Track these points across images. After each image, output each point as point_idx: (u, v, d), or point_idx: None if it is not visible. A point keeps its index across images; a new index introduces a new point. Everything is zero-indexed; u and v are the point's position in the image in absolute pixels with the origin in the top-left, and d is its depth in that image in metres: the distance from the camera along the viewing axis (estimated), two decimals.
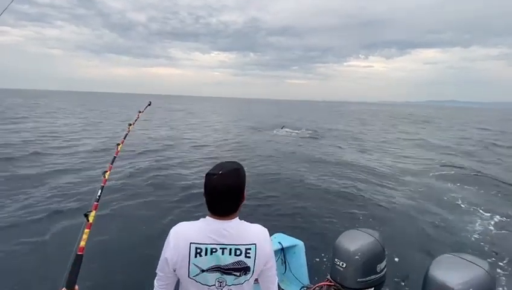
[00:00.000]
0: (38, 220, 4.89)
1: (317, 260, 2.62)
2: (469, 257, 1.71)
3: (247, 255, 1.09)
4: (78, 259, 1.03)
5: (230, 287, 1.11)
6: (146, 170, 8.42)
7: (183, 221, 1.17)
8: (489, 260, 1.77)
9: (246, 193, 1.14)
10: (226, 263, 1.07)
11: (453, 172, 9.45)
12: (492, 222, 5.45)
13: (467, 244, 4.48)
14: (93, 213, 1.17)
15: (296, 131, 19.56)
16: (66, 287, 0.95)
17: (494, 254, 4.15)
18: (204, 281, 1.08)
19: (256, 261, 1.10)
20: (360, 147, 14.34)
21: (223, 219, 1.09)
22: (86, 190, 6.44)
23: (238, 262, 1.08)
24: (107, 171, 1.41)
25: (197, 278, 1.08)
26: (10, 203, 5.49)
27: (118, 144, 1.68)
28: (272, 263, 1.19)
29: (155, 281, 1.18)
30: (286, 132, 19.45)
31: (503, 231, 5.08)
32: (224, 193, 1.06)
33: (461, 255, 1.75)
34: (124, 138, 1.70)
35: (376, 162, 10.85)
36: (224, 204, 1.08)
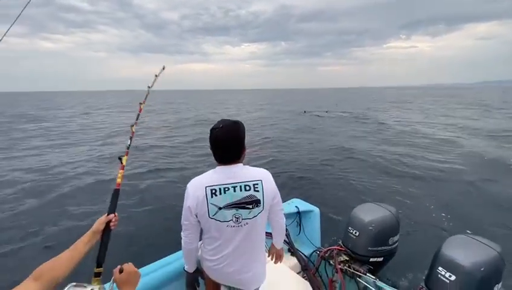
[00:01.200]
0: None
1: (331, 227, 2.76)
2: (483, 239, 1.71)
3: (256, 189, 1.26)
4: (116, 192, 1.24)
5: (246, 220, 1.27)
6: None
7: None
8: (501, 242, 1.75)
9: (246, 145, 1.30)
10: (239, 198, 1.24)
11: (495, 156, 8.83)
12: None
13: (484, 227, 4.38)
14: (125, 157, 1.36)
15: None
16: (108, 213, 1.15)
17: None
18: (223, 218, 1.25)
19: (264, 194, 1.27)
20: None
21: (229, 165, 1.26)
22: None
23: (249, 196, 1.25)
24: (133, 125, 1.61)
25: (216, 216, 1.24)
26: None
27: (141, 103, 1.80)
28: (279, 199, 1.38)
29: (182, 233, 1.35)
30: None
31: None
32: (225, 142, 1.23)
33: (476, 237, 1.75)
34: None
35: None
36: (227, 152, 1.25)
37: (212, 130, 1.26)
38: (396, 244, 2.18)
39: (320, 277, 2.26)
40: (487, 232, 3.97)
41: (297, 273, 2.22)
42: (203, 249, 1.39)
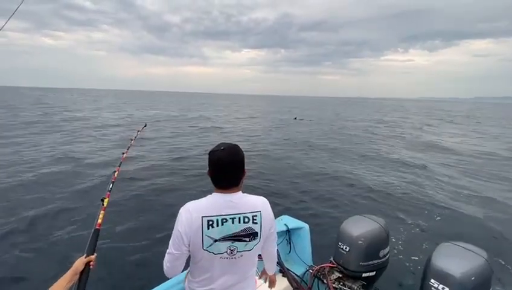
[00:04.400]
0: None
1: (322, 243, 2.71)
2: (469, 246, 1.74)
3: (254, 221, 1.19)
4: (96, 232, 1.27)
5: (241, 253, 1.18)
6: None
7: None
8: (487, 248, 1.80)
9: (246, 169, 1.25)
10: (236, 231, 1.16)
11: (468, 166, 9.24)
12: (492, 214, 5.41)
13: (469, 233, 4.51)
14: (106, 199, 1.47)
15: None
16: (86, 254, 1.16)
17: (493, 241, 4.23)
18: (217, 251, 1.15)
19: (262, 226, 1.20)
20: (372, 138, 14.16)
21: (228, 192, 1.18)
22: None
23: (247, 229, 1.17)
24: (115, 172, 1.81)
25: (210, 248, 1.14)
26: None
27: (123, 153, 2.13)
28: (275, 228, 1.34)
29: (166, 261, 1.21)
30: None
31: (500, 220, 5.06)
32: (227, 165, 1.16)
33: (462, 244, 1.77)
34: (127, 149, 2.24)
35: (386, 152, 10.71)
36: (228, 176, 1.17)
37: (212, 152, 1.19)
38: (387, 256, 2.16)
39: None
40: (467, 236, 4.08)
41: None
42: (190, 278, 1.29)
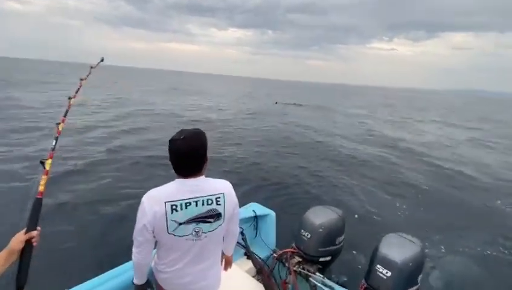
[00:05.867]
0: None
1: (285, 230, 2.89)
2: (409, 237, 2.05)
3: (218, 202, 1.24)
4: (38, 202, 1.09)
5: (206, 234, 1.24)
6: None
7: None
8: (421, 237, 2.13)
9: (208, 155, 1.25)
10: (200, 212, 1.20)
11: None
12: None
13: (410, 224, 5.17)
14: (49, 161, 1.23)
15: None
16: (27, 229, 0.99)
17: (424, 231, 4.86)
18: (183, 233, 1.20)
19: (226, 207, 1.27)
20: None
21: (190, 178, 1.21)
22: None
23: (211, 210, 1.23)
24: (59, 123, 1.47)
25: (175, 232, 1.18)
26: None
27: (70, 98, 1.70)
28: (238, 210, 1.40)
29: (133, 248, 1.24)
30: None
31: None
32: (187, 155, 1.16)
33: (404, 235, 2.08)
34: (76, 92, 1.75)
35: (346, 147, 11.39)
36: (188, 165, 1.19)
37: (172, 141, 1.17)
38: (342, 243, 2.41)
39: (275, 279, 2.36)
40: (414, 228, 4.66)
41: (253, 276, 2.28)
42: (157, 260, 1.34)
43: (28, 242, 0.97)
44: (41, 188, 1.13)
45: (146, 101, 20.26)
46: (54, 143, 1.34)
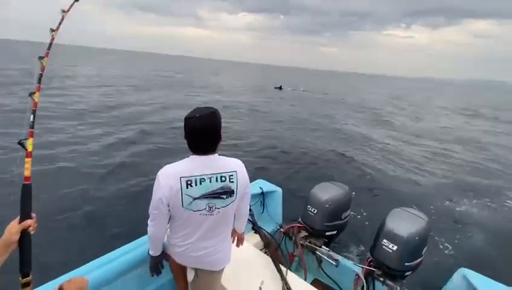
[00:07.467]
0: None
1: (292, 207, 2.93)
2: (415, 211, 2.06)
3: (231, 180, 1.27)
4: (26, 189, 0.99)
5: (220, 209, 1.28)
6: None
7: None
8: (426, 212, 2.15)
9: (222, 134, 1.28)
10: (214, 189, 1.24)
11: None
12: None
13: (416, 198, 5.21)
14: (30, 140, 1.06)
15: None
16: (21, 219, 0.92)
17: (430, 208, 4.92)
18: (197, 208, 1.24)
19: (238, 185, 1.30)
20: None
21: (204, 156, 1.24)
22: None
23: (224, 186, 1.26)
24: (34, 93, 1.19)
25: (189, 206, 1.22)
26: None
27: (42, 57, 1.28)
28: (249, 188, 1.45)
29: (149, 221, 1.29)
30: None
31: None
32: (202, 133, 1.19)
33: (410, 209, 2.09)
34: (48, 49, 1.32)
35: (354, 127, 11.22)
36: (203, 143, 1.22)
37: (188, 119, 1.19)
38: (347, 218, 2.44)
39: (282, 252, 2.43)
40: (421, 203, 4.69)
41: (260, 250, 2.35)
42: (170, 235, 1.39)
43: (25, 231, 0.91)
44: (26, 172, 1.00)
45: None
46: (31, 118, 1.12)
